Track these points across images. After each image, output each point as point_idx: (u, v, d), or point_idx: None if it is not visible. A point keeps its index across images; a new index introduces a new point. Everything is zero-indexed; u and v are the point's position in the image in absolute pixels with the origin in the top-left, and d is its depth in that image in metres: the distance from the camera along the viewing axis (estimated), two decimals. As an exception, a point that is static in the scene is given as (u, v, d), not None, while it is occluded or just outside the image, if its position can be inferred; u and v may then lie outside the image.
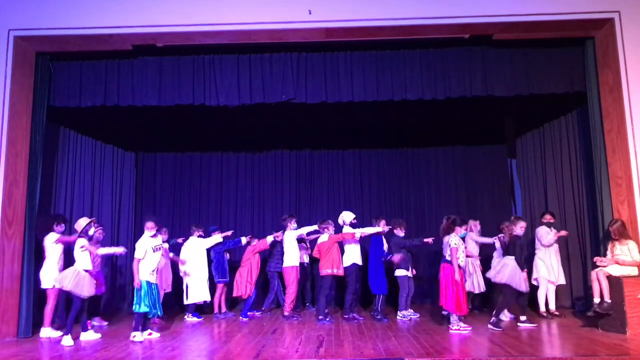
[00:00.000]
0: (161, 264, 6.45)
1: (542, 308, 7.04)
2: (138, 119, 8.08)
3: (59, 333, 6.14)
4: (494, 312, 6.19)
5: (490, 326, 6.05)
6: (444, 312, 6.32)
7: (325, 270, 6.95)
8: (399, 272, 7.15)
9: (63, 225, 6.64)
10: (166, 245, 7.43)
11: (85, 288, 5.90)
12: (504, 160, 10.02)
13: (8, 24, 6.45)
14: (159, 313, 6.09)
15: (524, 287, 6.21)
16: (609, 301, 5.85)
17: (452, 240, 6.16)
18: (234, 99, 6.90)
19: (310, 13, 6.31)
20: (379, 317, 6.84)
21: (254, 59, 6.96)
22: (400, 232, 7.26)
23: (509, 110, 8.29)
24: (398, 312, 7.15)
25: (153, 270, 6.02)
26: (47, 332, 6.20)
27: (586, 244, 7.52)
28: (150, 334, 6.01)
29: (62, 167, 7.80)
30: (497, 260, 7.02)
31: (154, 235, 6.20)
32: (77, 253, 6.03)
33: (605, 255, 6.25)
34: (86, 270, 5.99)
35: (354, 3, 6.40)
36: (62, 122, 7.71)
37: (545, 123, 8.62)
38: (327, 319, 6.76)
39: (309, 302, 8.42)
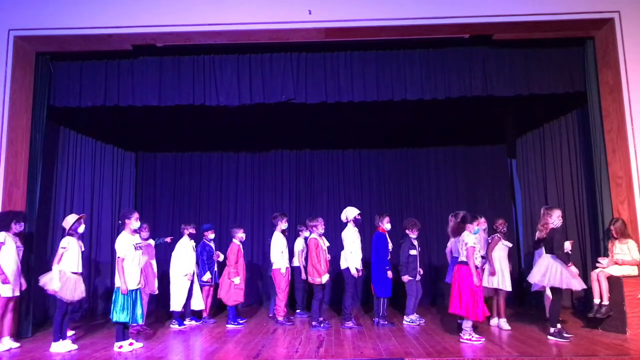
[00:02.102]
0: (141, 263, 5.76)
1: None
2: (138, 119, 8.08)
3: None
4: (550, 323, 5.54)
5: (552, 338, 5.41)
6: (460, 321, 5.71)
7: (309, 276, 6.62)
8: (407, 277, 6.76)
9: (22, 223, 5.92)
10: (152, 242, 7.15)
11: (70, 291, 5.47)
12: (504, 160, 10.03)
13: (8, 24, 6.45)
14: (139, 321, 5.53)
15: (577, 285, 5.53)
16: (607, 303, 5.86)
17: (469, 239, 5.49)
18: (234, 99, 6.90)
19: (310, 13, 6.31)
20: (383, 322, 6.53)
21: (254, 59, 6.96)
22: (412, 234, 6.90)
23: (509, 110, 8.29)
24: (405, 316, 6.77)
25: (135, 273, 5.41)
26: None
27: (586, 243, 7.51)
28: (131, 344, 5.41)
29: (62, 167, 7.80)
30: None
31: (135, 231, 5.60)
32: (62, 253, 5.51)
33: (605, 254, 6.26)
34: (75, 272, 5.56)
35: (354, 3, 6.39)
36: (62, 122, 7.71)
37: (545, 123, 8.63)
38: (322, 325, 6.44)
39: (300, 308, 7.79)
